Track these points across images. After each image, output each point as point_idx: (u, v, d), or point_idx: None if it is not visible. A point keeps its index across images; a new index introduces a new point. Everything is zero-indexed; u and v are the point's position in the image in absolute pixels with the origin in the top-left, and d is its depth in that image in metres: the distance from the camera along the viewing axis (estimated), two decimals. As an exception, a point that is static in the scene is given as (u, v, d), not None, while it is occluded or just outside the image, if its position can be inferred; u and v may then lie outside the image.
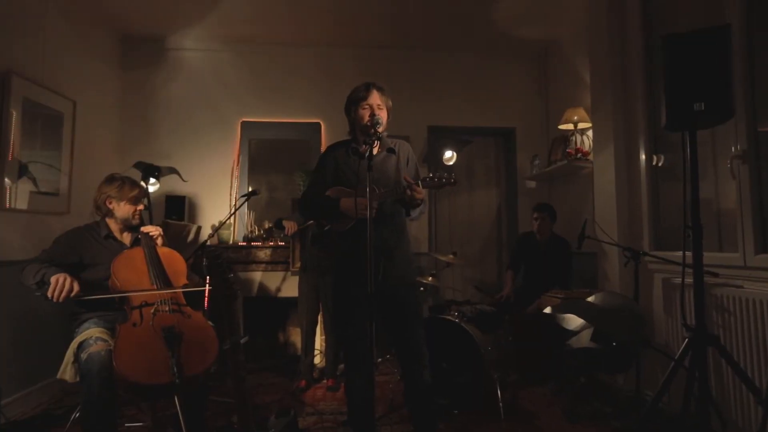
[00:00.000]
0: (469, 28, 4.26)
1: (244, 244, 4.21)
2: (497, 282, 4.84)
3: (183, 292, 2.39)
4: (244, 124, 4.49)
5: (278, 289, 4.26)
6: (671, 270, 2.73)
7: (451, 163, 4.49)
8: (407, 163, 2.26)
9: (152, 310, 2.19)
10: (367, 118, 2.14)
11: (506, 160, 4.86)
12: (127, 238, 2.54)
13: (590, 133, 3.81)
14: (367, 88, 2.19)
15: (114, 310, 2.30)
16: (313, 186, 2.24)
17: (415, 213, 2.16)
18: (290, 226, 3.49)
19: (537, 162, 4.44)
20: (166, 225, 3.01)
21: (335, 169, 2.22)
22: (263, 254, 4.16)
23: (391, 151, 2.25)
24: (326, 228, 2.16)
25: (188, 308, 2.34)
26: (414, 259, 2.30)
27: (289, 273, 4.17)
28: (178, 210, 4.07)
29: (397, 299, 2.16)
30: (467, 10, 3.91)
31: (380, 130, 2.07)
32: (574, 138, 3.89)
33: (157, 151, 4.34)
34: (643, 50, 3.13)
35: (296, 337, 4.41)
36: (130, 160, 3.94)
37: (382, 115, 2.16)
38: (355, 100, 2.19)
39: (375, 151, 2.15)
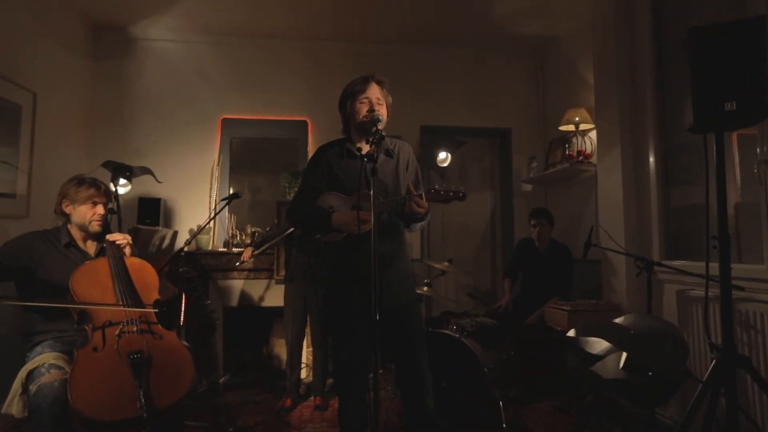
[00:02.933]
0: (464, 23, 4.06)
1: (225, 250, 3.93)
2: (492, 289, 4.65)
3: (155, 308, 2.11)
4: (225, 122, 4.20)
5: (261, 298, 3.99)
6: (686, 281, 2.56)
7: (445, 164, 4.28)
8: (407, 168, 2.03)
9: (117, 332, 1.91)
10: (364, 113, 1.90)
11: (501, 162, 4.67)
12: (91, 247, 2.25)
13: (592, 134, 3.64)
14: (366, 81, 1.95)
15: (74, 329, 2.02)
16: (304, 192, 1.99)
17: (415, 226, 1.93)
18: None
19: (534, 164, 4.26)
20: (137, 231, 2.72)
21: (329, 172, 1.98)
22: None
23: (389, 154, 2.01)
24: (316, 237, 1.90)
25: (159, 327, 2.06)
26: (414, 275, 2.06)
27: (273, 281, 3.89)
28: (152, 214, 3.76)
29: (396, 320, 1.92)
30: (462, 4, 3.70)
31: (380, 126, 1.84)
32: (575, 140, 3.71)
33: (130, 150, 4.02)
34: (652, 47, 2.97)
35: (281, 348, 4.15)
36: (100, 159, 3.61)
37: (382, 111, 1.93)
38: (351, 93, 1.95)
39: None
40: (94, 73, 4.03)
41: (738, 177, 2.58)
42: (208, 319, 1.38)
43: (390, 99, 2.01)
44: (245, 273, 3.91)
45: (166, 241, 3.36)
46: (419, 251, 4.33)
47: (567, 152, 3.72)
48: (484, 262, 4.67)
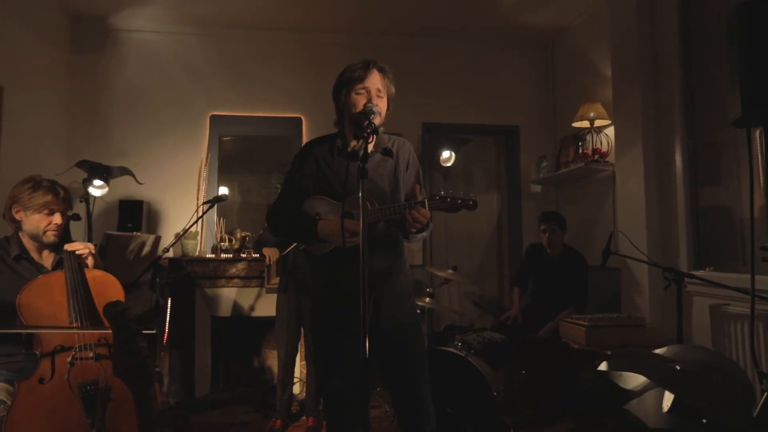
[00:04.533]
0: (468, 12, 3.78)
1: (213, 256, 3.66)
2: (498, 297, 4.37)
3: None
4: (214, 119, 3.93)
5: (252, 308, 3.72)
6: (719, 294, 2.29)
7: (448, 164, 4.01)
8: (407, 169, 1.76)
9: (69, 358, 1.64)
10: (361, 105, 1.63)
11: (508, 162, 4.39)
12: (48, 259, 1.99)
13: (609, 131, 3.36)
14: (367, 67, 1.68)
15: (23, 355, 1.76)
16: (287, 195, 1.72)
17: (415, 237, 1.66)
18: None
19: (545, 164, 3.98)
20: (109, 238, 2.46)
21: (317, 172, 1.71)
22: (234, 269, 3.61)
23: (387, 152, 1.74)
24: (300, 248, 1.63)
25: (122, 352, 1.79)
26: (413, 292, 1.79)
27: (264, 290, 3.62)
28: (134, 217, 3.50)
29: (393, 345, 1.65)
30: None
31: (376, 122, 1.57)
32: (589, 137, 3.43)
33: (111, 149, 3.75)
34: (679, 32, 2.68)
35: (273, 360, 3.88)
36: (77, 159, 3.36)
37: (381, 105, 1.66)
38: (348, 81, 1.67)
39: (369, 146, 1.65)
40: (72, 66, 3.76)
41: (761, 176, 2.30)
42: (143, 368, 1.09)
43: (393, 90, 1.74)
44: (234, 281, 3.64)
45: (147, 248, 3.09)
46: (421, 257, 4.05)
47: (581, 151, 3.44)
48: (490, 268, 4.40)
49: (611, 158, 3.28)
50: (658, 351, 1.36)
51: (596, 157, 3.32)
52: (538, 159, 4.10)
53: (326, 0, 3.57)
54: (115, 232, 2.66)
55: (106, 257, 2.48)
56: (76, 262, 1.89)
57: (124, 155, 3.76)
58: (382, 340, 1.62)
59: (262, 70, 4.03)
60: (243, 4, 3.64)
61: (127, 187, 3.62)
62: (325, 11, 3.76)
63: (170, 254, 3.68)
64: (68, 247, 1.91)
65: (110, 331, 1.81)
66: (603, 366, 1.31)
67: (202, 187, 3.86)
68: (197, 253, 3.69)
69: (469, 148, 4.25)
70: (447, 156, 3.96)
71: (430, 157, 4.09)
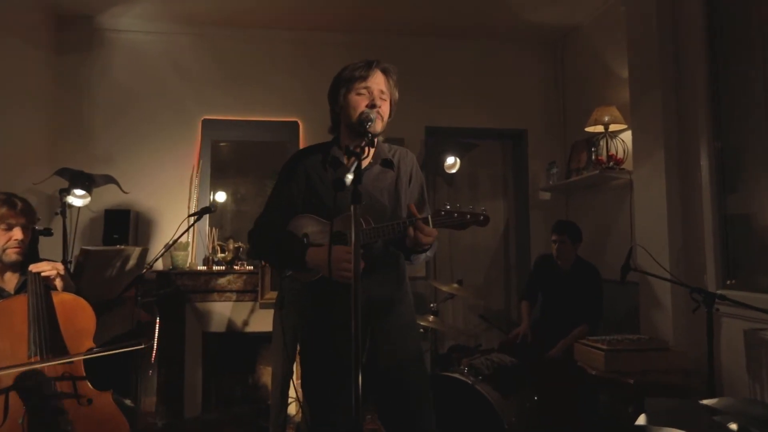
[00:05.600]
0: (473, 11, 3.59)
1: (204, 268, 3.47)
2: (505, 310, 4.16)
3: (86, 360, 1.65)
4: (206, 123, 3.74)
5: (246, 323, 3.52)
6: (752, 316, 2.07)
7: (453, 171, 3.80)
8: (409, 182, 1.56)
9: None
10: (362, 107, 1.43)
11: (516, 168, 4.19)
12: (11, 281, 1.80)
13: (625, 136, 3.15)
14: (369, 66, 1.48)
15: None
16: (271, 212, 1.52)
17: (418, 258, 1.46)
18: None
19: (555, 170, 3.77)
20: (86, 255, 2.27)
21: (306, 186, 1.51)
22: (226, 281, 3.41)
23: (387, 164, 1.54)
24: (287, 274, 1.43)
25: (88, 387, 1.60)
26: (416, 322, 1.58)
27: (258, 304, 3.43)
28: (121, 228, 3.31)
29: (394, 385, 1.45)
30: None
31: (374, 130, 1.37)
32: (603, 143, 3.22)
33: (96, 155, 3.57)
34: (704, 27, 2.48)
35: (268, 377, 3.68)
36: (62, 166, 3.18)
37: (384, 109, 1.46)
38: (347, 80, 1.48)
39: (364, 163, 1.46)
40: (56, 68, 3.57)
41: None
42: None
43: (396, 95, 1.54)
44: (227, 295, 3.44)
45: (132, 262, 2.90)
46: (424, 269, 3.85)
47: (595, 157, 3.23)
48: (497, 279, 4.18)
49: (628, 165, 3.07)
50: (706, 402, 1.16)
51: (611, 164, 3.11)
52: (547, 165, 3.89)
53: (323, -2, 3.40)
54: (93, 247, 2.46)
55: (83, 275, 2.29)
56: (42, 284, 1.70)
57: (112, 162, 3.57)
58: (380, 381, 1.42)
59: (256, 71, 3.84)
60: (237, 2, 3.45)
61: (114, 196, 3.43)
62: (323, 9, 3.57)
63: (159, 267, 3.51)
64: (33, 267, 1.72)
65: (76, 360, 1.63)
66: (641, 420, 1.11)
67: (194, 196, 3.67)
68: (188, 266, 3.50)
69: (474, 153, 4.04)
70: (451, 162, 3.75)
71: (433, 163, 3.89)
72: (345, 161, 1.48)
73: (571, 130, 3.88)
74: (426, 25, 3.82)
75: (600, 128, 3.18)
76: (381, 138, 1.56)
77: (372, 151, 1.46)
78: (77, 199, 2.89)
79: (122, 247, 2.90)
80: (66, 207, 2.68)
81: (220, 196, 3.80)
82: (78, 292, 1.85)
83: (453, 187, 4.12)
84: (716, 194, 2.45)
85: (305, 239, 1.41)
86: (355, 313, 1.00)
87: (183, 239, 3.56)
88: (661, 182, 2.61)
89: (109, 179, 3.04)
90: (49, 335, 1.59)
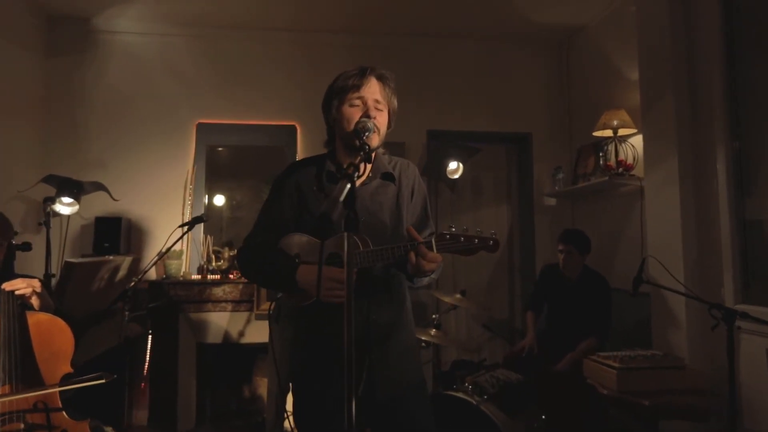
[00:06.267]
0: (476, 11, 3.48)
1: (198, 277, 3.36)
2: (509, 319, 4.04)
3: (62, 391, 1.53)
4: (201, 127, 3.63)
5: (241, 334, 3.40)
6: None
7: (456, 176, 3.69)
8: (411, 197, 1.44)
9: (-8, 432, 1.33)
10: (356, 119, 1.32)
11: (520, 172, 4.06)
12: (-16, 299, 1.68)
13: (634, 140, 3.03)
14: (363, 74, 1.36)
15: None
16: (262, 230, 1.41)
17: (422, 281, 1.34)
18: None
19: (561, 176, 3.65)
20: (69, 267, 2.15)
21: (299, 203, 1.39)
22: (221, 292, 3.31)
23: (388, 177, 1.42)
24: (277, 296, 1.32)
25: (64, 418, 1.49)
26: (419, 347, 1.46)
27: (254, 315, 3.31)
28: (112, 236, 3.20)
29: (394, 417, 1.33)
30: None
31: (372, 143, 1.26)
32: (612, 147, 3.10)
33: (89, 160, 3.47)
34: (721, 25, 2.35)
35: (264, 389, 3.56)
36: (53, 172, 3.07)
37: (380, 119, 1.35)
38: (340, 91, 1.36)
39: (362, 177, 1.35)
40: (48, 71, 3.46)
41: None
42: None
43: (395, 104, 1.42)
44: (221, 305, 3.33)
45: (122, 272, 2.79)
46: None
47: (603, 162, 3.10)
48: (501, 287, 4.06)
49: (638, 171, 2.95)
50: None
51: (621, 169, 2.99)
52: (553, 170, 3.76)
53: (321, -2, 3.29)
54: (78, 259, 2.35)
55: (67, 289, 2.17)
56: (16, 304, 1.59)
57: (104, 167, 3.47)
58: (379, 412, 1.30)
59: (253, 73, 3.73)
60: (233, 3, 3.34)
61: (106, 203, 3.32)
62: (322, 10, 3.47)
63: (152, 276, 3.40)
64: (6, 286, 1.61)
65: (51, 391, 1.51)
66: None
67: (188, 202, 3.55)
68: (182, 275, 3.39)
69: (477, 158, 3.92)
70: (454, 167, 3.64)
71: (435, 168, 3.77)
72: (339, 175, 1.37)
73: (577, 134, 3.76)
74: (427, 26, 3.71)
75: (608, 132, 3.05)
76: (381, 149, 1.44)
77: (366, 169, 1.35)
78: (65, 207, 2.78)
79: (110, 257, 2.79)
80: (50, 216, 2.56)
81: (217, 202, 3.69)
82: (60, 308, 1.74)
83: (456, 193, 4.01)
84: (734, 201, 2.33)
85: (297, 258, 1.30)
86: (348, 351, 0.88)
87: (176, 247, 3.46)
88: (675, 189, 2.49)
89: (99, 186, 2.94)
90: (20, 361, 1.48)
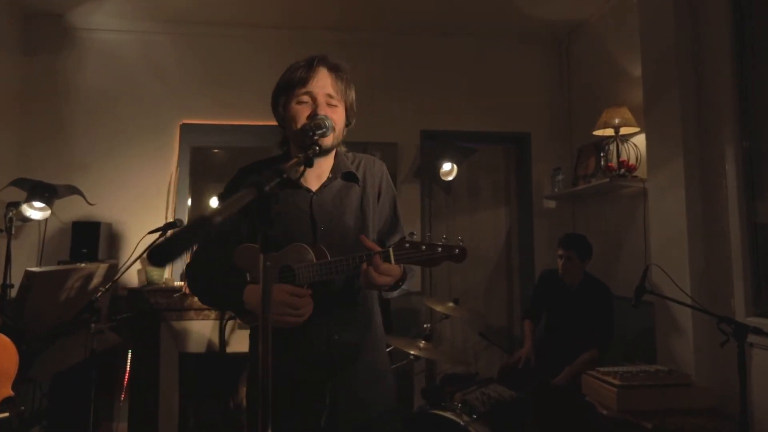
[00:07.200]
0: (471, 6, 3.32)
1: (182, 284, 3.22)
2: (507, 326, 3.87)
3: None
4: (185, 128, 3.50)
5: (226, 343, 3.26)
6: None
7: (450, 177, 3.53)
8: (378, 197, 1.29)
9: None
10: (304, 119, 1.17)
11: (519, 174, 3.90)
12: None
13: (637, 140, 2.87)
14: (310, 66, 1.22)
15: None
16: (209, 243, 1.26)
17: (391, 294, 1.19)
18: None
19: (560, 177, 3.49)
20: (30, 278, 2.02)
21: (278, 210, 1.24)
22: (203, 299, 3.16)
23: (350, 177, 1.27)
24: (232, 317, 1.17)
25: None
26: (390, 371, 1.31)
27: (237, 324, 3.17)
28: (89, 242, 3.06)
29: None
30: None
31: (325, 142, 1.11)
32: (613, 147, 2.93)
33: (67, 162, 3.34)
34: (729, 18, 2.19)
35: (251, 401, 3.42)
36: (29, 176, 2.94)
37: (335, 117, 1.20)
38: (286, 86, 1.22)
39: (317, 179, 1.20)
40: (23, 70, 3.34)
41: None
42: None
43: (353, 95, 1.27)
44: (204, 313, 3.19)
45: (96, 280, 2.65)
46: (419, 283, 3.57)
47: (605, 162, 2.94)
48: (498, 293, 3.90)
49: (641, 172, 2.78)
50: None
51: (622, 170, 2.82)
52: (552, 171, 3.60)
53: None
54: (39, 268, 2.21)
55: (27, 301, 2.04)
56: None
57: (83, 170, 3.35)
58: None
59: (238, 72, 3.59)
60: (215, -2, 3.22)
61: (85, 206, 3.19)
62: (311, 6, 3.33)
63: (134, 283, 3.28)
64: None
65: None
66: None
67: (171, 205, 3.42)
68: (164, 281, 3.25)
69: (474, 159, 3.77)
70: (448, 169, 3.49)
71: (430, 170, 3.62)
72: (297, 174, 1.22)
73: (577, 134, 3.60)
74: (421, 22, 3.56)
75: (610, 131, 2.89)
76: (343, 148, 1.29)
77: (327, 163, 1.21)
78: (36, 211, 2.65)
79: (82, 264, 2.65)
80: (12, 222, 2.43)
81: (202, 205, 3.55)
82: (7, 322, 1.61)
83: (451, 196, 3.85)
84: (744, 204, 2.16)
85: (247, 275, 1.15)
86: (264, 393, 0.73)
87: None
88: (680, 191, 2.32)
89: (74, 190, 2.81)
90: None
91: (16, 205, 2.49)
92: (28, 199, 2.60)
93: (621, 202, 3.07)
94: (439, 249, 1.02)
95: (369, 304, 1.26)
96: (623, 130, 2.86)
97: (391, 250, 1.03)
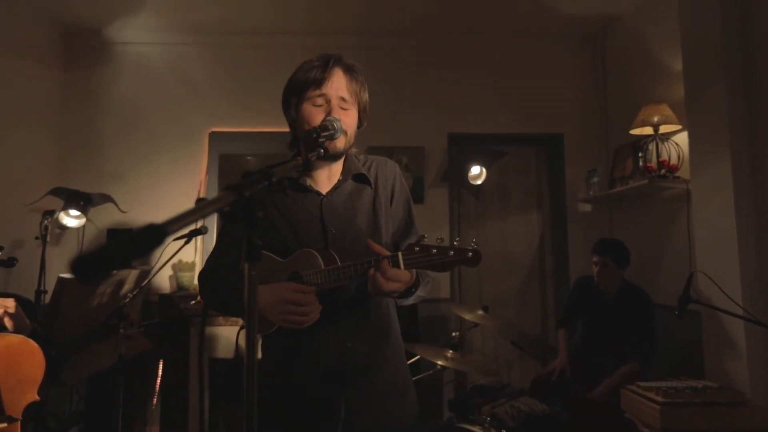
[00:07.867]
0: (498, 3, 3.22)
1: (210, 290, 3.25)
2: (541, 335, 3.72)
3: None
4: (214, 135, 3.56)
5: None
6: None
7: (478, 181, 3.43)
8: (391, 199, 1.23)
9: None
10: (318, 122, 1.13)
11: (552, 177, 3.76)
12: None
13: (679, 138, 2.69)
14: (326, 65, 1.18)
15: None
16: (220, 251, 1.24)
17: (406, 301, 1.13)
18: None
19: (595, 179, 3.33)
20: (62, 284, 2.07)
21: (264, 216, 1.21)
22: (231, 305, 3.18)
23: (362, 179, 1.23)
24: (243, 326, 1.14)
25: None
26: (411, 386, 1.24)
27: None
28: (123, 248, 3.14)
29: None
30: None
31: (336, 145, 1.07)
32: (652, 147, 2.77)
33: (102, 171, 3.45)
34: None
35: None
36: (68, 185, 3.06)
37: (347, 120, 1.15)
38: (299, 87, 1.18)
39: (328, 182, 1.16)
40: (63, 84, 3.49)
41: None
42: None
43: (366, 97, 1.23)
44: (232, 319, 3.21)
45: (128, 286, 2.71)
46: (448, 290, 3.48)
47: (643, 163, 2.78)
48: (532, 301, 3.75)
49: (683, 172, 2.61)
50: None
51: (663, 171, 2.66)
52: (587, 173, 3.44)
53: (338, -1, 3.14)
54: (71, 275, 2.27)
55: (60, 306, 2.09)
56: (-16, 325, 1.49)
57: (119, 177, 3.45)
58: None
59: (266, 80, 3.59)
60: (246, 8, 3.26)
61: (120, 214, 3.28)
62: (335, 11, 3.32)
63: (166, 289, 3.35)
64: (-23, 306, 1.52)
65: (9, 426, 1.39)
66: None
67: (201, 212, 3.47)
68: (194, 287, 3.30)
69: (504, 162, 3.65)
70: (477, 173, 3.39)
71: (458, 174, 3.52)
72: (307, 183, 1.19)
73: (614, 134, 3.43)
74: (447, 22, 3.49)
75: (648, 130, 2.73)
76: (354, 149, 1.25)
77: (337, 166, 1.18)
78: (72, 219, 2.74)
79: (114, 271, 2.72)
80: (47, 230, 2.51)
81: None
82: (37, 329, 1.64)
83: (480, 200, 3.74)
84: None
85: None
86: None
87: (188, 259, 3.39)
88: (728, 192, 2.15)
89: (107, 198, 2.89)
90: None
91: (52, 213, 2.58)
92: (65, 208, 2.69)
93: (662, 204, 2.89)
94: (451, 253, 0.95)
95: (385, 312, 1.20)
96: (663, 128, 2.70)
97: (400, 254, 0.98)
